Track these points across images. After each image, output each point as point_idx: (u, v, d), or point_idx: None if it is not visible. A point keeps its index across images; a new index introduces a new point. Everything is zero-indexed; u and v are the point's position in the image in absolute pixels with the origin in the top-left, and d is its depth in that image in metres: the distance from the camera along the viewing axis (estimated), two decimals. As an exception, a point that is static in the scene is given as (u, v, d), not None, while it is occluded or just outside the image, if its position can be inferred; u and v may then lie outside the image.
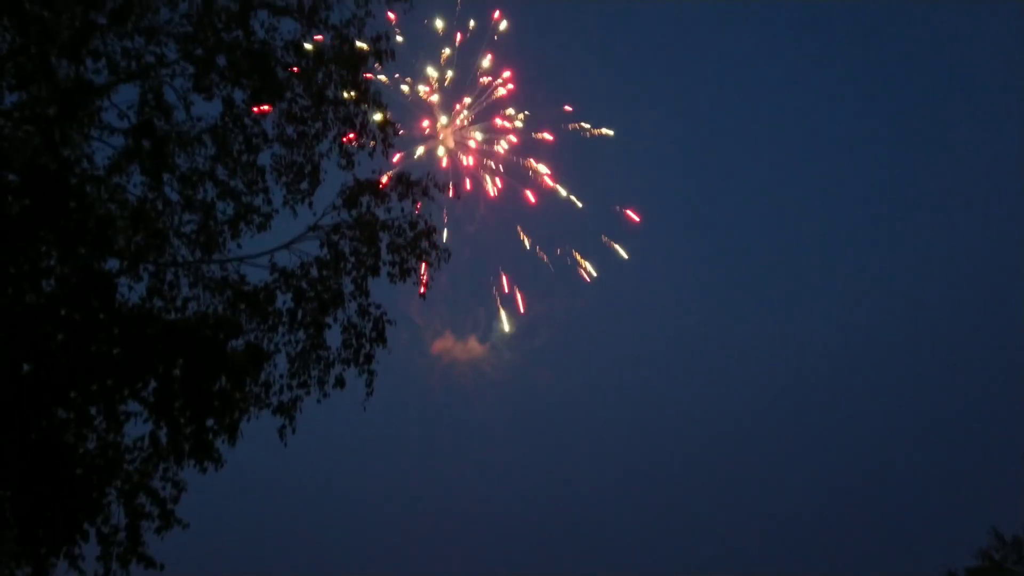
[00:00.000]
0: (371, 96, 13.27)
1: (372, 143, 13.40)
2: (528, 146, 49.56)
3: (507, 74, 47.90)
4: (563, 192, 49.46)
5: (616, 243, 52.00)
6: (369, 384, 12.59)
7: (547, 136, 49.81)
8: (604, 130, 50.19)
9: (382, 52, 13.29)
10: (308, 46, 12.78)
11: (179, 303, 12.16)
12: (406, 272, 13.10)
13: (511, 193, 50.77)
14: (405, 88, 47.25)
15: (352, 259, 12.77)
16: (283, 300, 12.34)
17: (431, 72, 47.29)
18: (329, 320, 12.56)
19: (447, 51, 47.84)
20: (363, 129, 13.41)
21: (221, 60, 12.24)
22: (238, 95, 12.54)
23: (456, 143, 48.94)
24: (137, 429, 10.88)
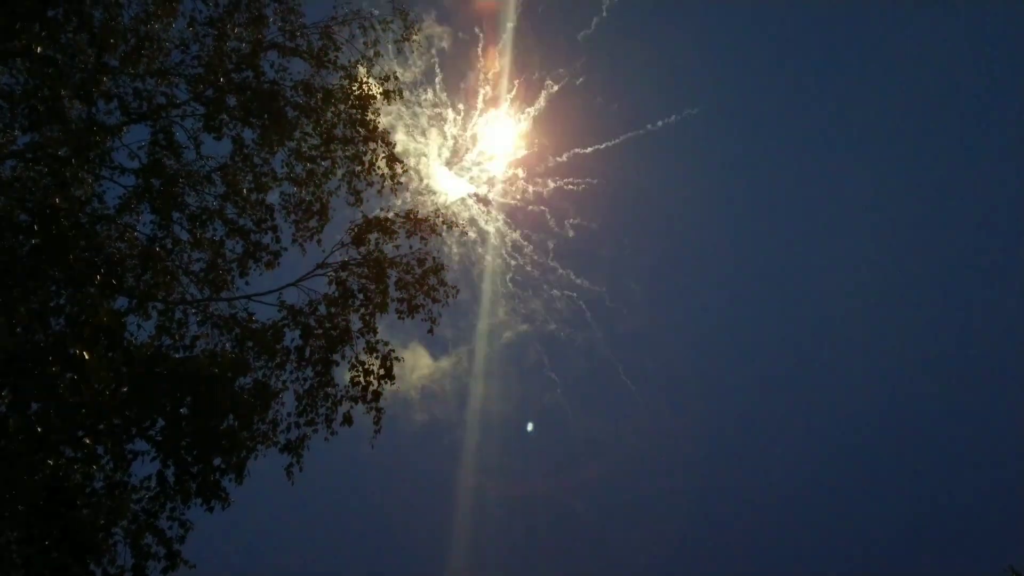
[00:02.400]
0: (379, 134, 13.41)
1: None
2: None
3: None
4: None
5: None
6: (377, 421, 12.54)
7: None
8: None
9: (390, 91, 13.45)
10: (317, 85, 12.95)
11: (187, 341, 12.21)
12: (414, 309, 13.10)
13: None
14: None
15: (360, 296, 12.79)
16: (291, 337, 12.35)
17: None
18: (337, 357, 12.54)
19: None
20: (372, 167, 13.52)
21: (231, 100, 12.40)
22: (248, 134, 12.70)
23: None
24: (144, 468, 10.84)
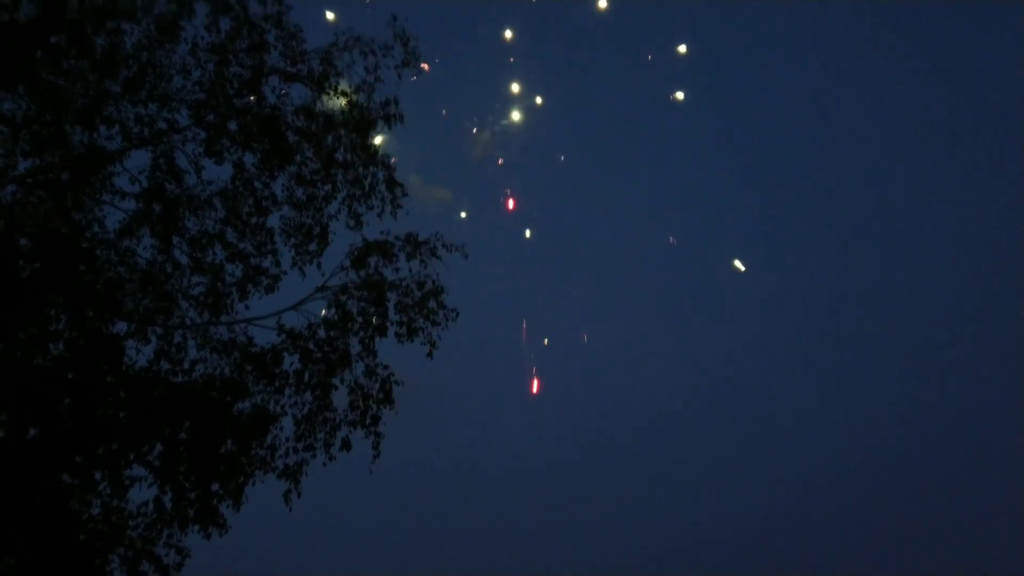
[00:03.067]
0: (380, 159, 13.44)
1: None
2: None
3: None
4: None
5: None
6: (376, 447, 12.50)
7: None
8: None
9: (391, 116, 13.49)
10: (318, 110, 12.99)
11: (186, 365, 12.20)
12: (414, 332, 13.08)
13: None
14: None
15: (360, 319, 12.78)
16: (290, 361, 12.32)
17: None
18: (336, 381, 12.51)
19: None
20: (372, 191, 13.55)
21: (232, 125, 12.45)
22: (248, 159, 12.74)
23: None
24: (141, 495, 10.80)
